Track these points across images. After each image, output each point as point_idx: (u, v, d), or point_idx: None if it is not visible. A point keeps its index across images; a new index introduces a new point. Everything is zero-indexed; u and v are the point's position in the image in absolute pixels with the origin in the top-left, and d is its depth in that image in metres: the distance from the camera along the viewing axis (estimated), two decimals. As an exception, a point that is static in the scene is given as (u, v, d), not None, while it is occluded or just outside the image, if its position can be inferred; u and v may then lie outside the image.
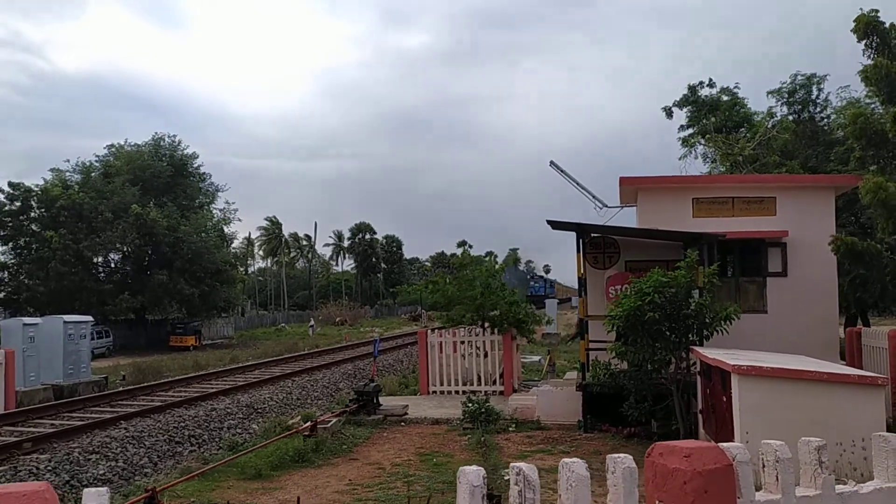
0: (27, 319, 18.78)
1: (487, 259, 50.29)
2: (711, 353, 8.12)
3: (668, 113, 30.22)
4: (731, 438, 6.50)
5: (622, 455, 2.48)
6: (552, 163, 15.58)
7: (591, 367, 11.37)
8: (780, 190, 13.16)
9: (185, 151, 49.95)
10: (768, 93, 26.77)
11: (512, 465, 2.45)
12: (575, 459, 2.46)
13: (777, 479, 2.72)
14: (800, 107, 25.64)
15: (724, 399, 7.24)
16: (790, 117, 25.96)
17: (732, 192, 13.15)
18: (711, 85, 29.55)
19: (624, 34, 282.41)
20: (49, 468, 9.86)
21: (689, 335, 9.76)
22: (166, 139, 49.51)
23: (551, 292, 72.13)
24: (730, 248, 12.79)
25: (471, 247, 70.49)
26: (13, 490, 2.09)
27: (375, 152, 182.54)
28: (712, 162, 28.73)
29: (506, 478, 7.82)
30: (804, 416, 6.03)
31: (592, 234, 12.39)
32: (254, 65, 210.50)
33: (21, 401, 16.24)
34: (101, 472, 9.97)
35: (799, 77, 25.57)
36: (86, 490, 2.34)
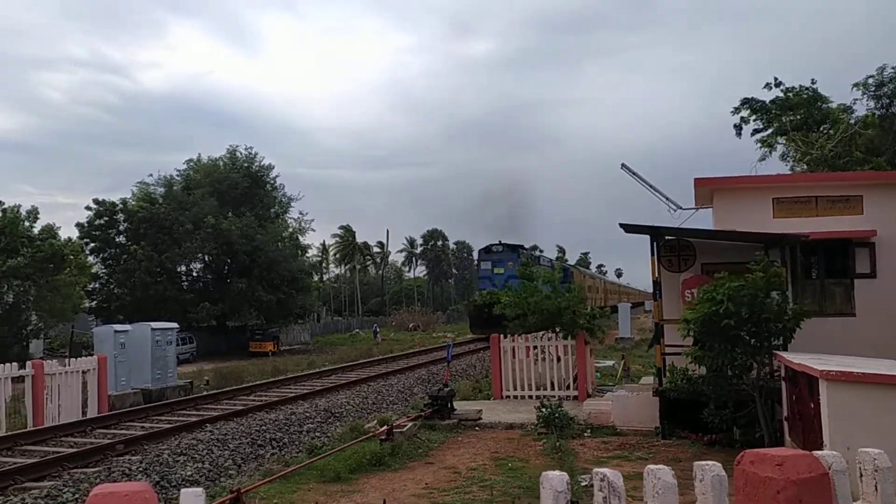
0: (118, 327, 19.70)
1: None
2: (797, 357, 7.85)
3: (739, 128, 29.43)
4: (819, 446, 6.27)
5: (711, 462, 2.44)
6: (624, 165, 15.37)
7: (667, 372, 11.14)
8: (866, 188, 12.59)
9: (262, 163, 51.54)
10: (853, 85, 25.69)
11: (596, 470, 2.45)
12: (661, 466, 2.43)
13: (876, 488, 2.63)
14: (888, 101, 24.47)
15: (812, 405, 6.99)
16: (876, 112, 24.81)
17: (815, 191, 12.67)
18: (777, 84, 28.57)
19: (692, 32, 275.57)
20: (140, 469, 10.31)
21: (772, 339, 9.47)
22: (242, 151, 51.18)
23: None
24: (814, 249, 12.33)
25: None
26: (117, 490, 2.23)
27: (444, 160, 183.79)
28: (793, 161, 27.74)
29: (582, 483, 7.76)
30: (899, 423, 5.76)
31: (667, 237, 12.15)
32: (324, 78, 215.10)
33: (113, 404, 17.02)
34: (188, 473, 10.35)
35: (888, 70, 24.41)
36: (183, 490, 2.47)
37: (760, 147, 29.43)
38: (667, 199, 14.74)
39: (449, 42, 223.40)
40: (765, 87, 28.64)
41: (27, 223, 32.28)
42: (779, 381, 9.16)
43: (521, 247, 43.48)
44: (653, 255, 11.49)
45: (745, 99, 28.94)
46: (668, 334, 11.50)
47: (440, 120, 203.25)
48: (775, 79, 28.47)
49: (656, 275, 11.50)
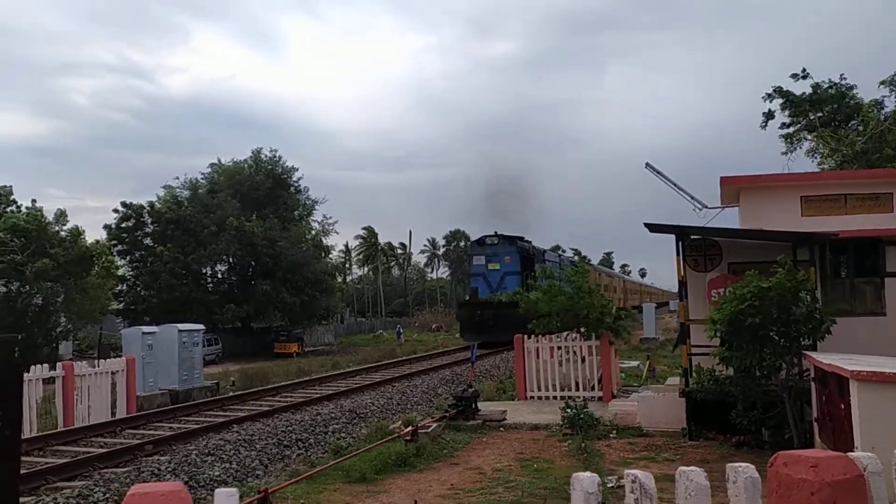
0: (145, 328, 19.93)
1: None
2: (827, 357, 7.75)
3: (766, 119, 28.89)
4: (850, 448, 6.19)
5: (744, 464, 2.42)
6: (648, 164, 15.23)
7: (693, 373, 11.05)
8: (897, 185, 12.39)
9: (285, 165, 51.89)
10: (880, 83, 25.25)
11: (627, 472, 2.44)
12: (693, 468, 2.42)
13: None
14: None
15: (843, 406, 6.90)
16: None
17: (845, 189, 12.48)
18: (805, 76, 27.93)
19: (713, 31, 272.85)
20: (169, 469, 10.43)
21: (801, 340, 9.35)
22: (265, 153, 51.57)
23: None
24: (843, 248, 12.14)
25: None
26: (153, 490, 2.27)
27: (465, 160, 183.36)
28: (821, 157, 27.31)
29: (609, 485, 7.72)
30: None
31: (693, 237, 12.04)
32: (344, 80, 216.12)
33: (141, 405, 17.24)
34: (216, 473, 10.46)
35: None
36: (217, 490, 2.51)
37: (786, 142, 28.95)
38: (692, 198, 14.61)
39: (469, 43, 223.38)
40: (792, 77, 28.08)
41: (56, 227, 32.85)
42: (808, 382, 9.05)
43: (520, 238, 37.35)
44: (678, 254, 11.40)
45: (776, 87, 28.23)
46: (695, 334, 11.40)
47: (460, 120, 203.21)
48: (803, 70, 27.87)
49: (682, 274, 11.41)
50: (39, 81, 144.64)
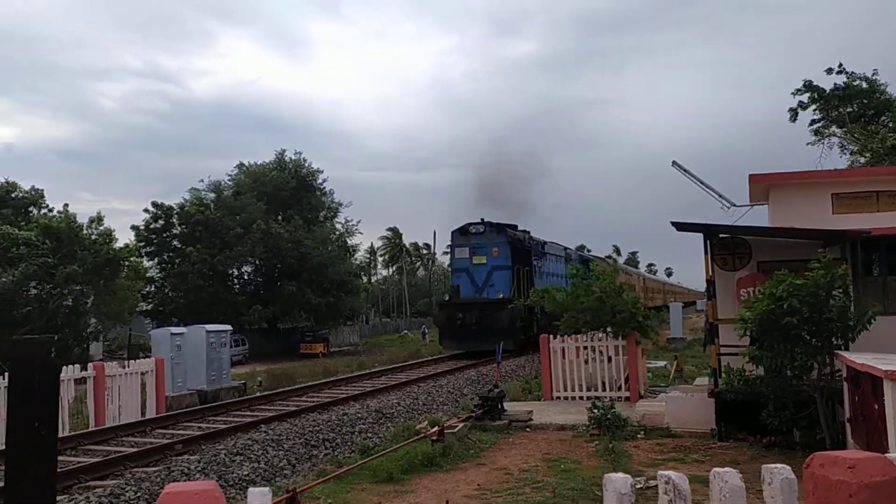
0: (174, 329, 20.18)
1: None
2: (860, 357, 7.63)
3: (795, 113, 28.46)
4: (883, 449, 6.08)
5: (780, 465, 2.39)
6: (674, 163, 15.11)
7: (723, 373, 10.92)
8: (931, 181, 12.16)
9: (309, 167, 52.25)
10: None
11: (660, 473, 2.42)
12: (728, 469, 2.39)
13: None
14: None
15: (876, 407, 6.78)
16: None
17: (876, 186, 12.27)
18: (841, 71, 27.48)
19: (736, 29, 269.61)
20: (199, 468, 10.54)
21: (833, 339, 9.21)
22: (289, 155, 51.98)
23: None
24: (875, 246, 11.92)
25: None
26: (188, 489, 2.29)
27: (488, 161, 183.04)
28: (851, 154, 26.86)
29: (638, 486, 7.66)
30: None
31: (721, 235, 11.91)
32: (368, 81, 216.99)
33: (170, 405, 17.45)
34: (245, 472, 10.55)
35: None
36: (250, 490, 2.53)
37: (815, 137, 28.50)
38: (720, 196, 14.47)
39: (491, 43, 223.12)
40: (826, 72, 27.64)
41: (88, 231, 33.46)
42: (840, 382, 8.91)
43: (512, 226, 30.95)
44: (706, 253, 11.27)
45: (806, 82, 27.82)
46: (723, 334, 11.28)
47: (482, 121, 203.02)
48: (840, 64, 27.39)
49: (710, 274, 11.28)
50: (69, 86, 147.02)
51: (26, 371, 3.51)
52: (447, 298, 30.40)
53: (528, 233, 32.95)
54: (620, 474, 2.37)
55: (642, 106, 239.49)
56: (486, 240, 29.21)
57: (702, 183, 14.75)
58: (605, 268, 16.32)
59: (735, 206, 14.38)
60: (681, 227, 11.59)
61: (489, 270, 28.89)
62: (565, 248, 39.37)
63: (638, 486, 7.63)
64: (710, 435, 10.82)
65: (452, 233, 30.39)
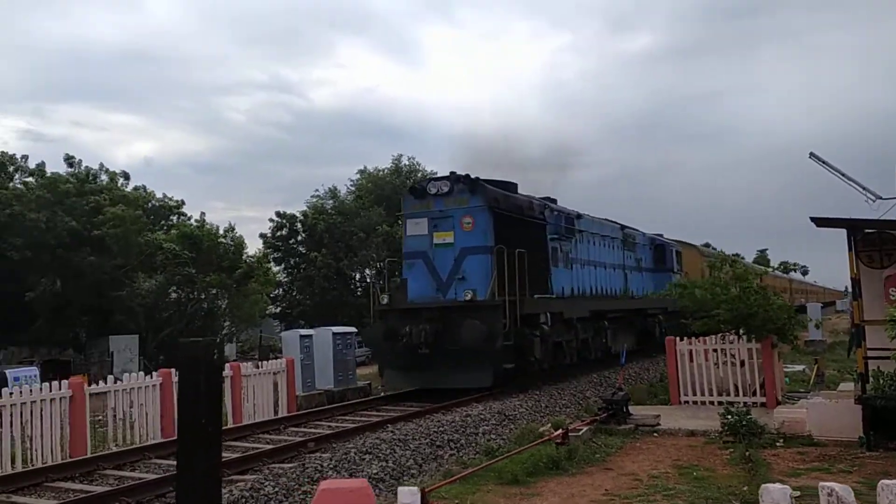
0: (303, 331, 21.01)
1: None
2: None
3: None
4: None
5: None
6: (812, 154, 14.17)
7: (871, 378, 10.20)
8: None
9: (425, 170, 53.12)
10: None
11: (822, 484, 2.30)
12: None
13: None
14: None
15: None
16: None
17: None
18: None
19: (873, 10, 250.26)
20: (331, 466, 10.89)
21: None
22: (405, 160, 53.09)
23: None
24: None
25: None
26: (342, 486, 2.40)
27: (608, 159, 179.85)
28: None
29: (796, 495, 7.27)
30: None
31: (866, 231, 11.12)
32: (482, 83, 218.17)
33: (300, 405, 18.17)
34: (374, 471, 10.80)
35: None
36: (400, 488, 2.60)
37: None
38: (863, 188, 13.49)
39: (606, 39, 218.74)
40: None
41: (223, 240, 35.79)
42: None
43: (503, 184, 18.94)
44: (850, 250, 10.56)
45: None
46: (870, 336, 10.54)
47: (599, 119, 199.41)
48: None
49: (854, 272, 10.57)
50: (201, 102, 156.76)
51: (194, 371, 3.79)
52: (385, 301, 18.09)
53: (551, 199, 21.64)
54: (778, 485, 2.26)
55: (773, 95, 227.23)
56: (455, 204, 17.47)
57: (842, 175, 13.79)
58: (715, 258, 15.14)
59: (881, 199, 13.37)
60: (821, 222, 10.92)
61: (459, 253, 17.34)
62: (623, 228, 26.28)
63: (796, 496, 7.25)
64: (857, 444, 10.15)
65: (404, 197, 19.12)
